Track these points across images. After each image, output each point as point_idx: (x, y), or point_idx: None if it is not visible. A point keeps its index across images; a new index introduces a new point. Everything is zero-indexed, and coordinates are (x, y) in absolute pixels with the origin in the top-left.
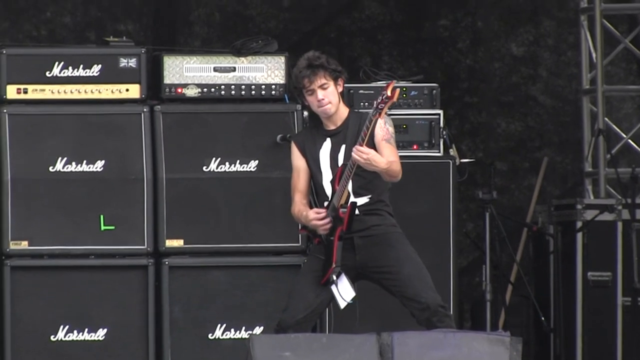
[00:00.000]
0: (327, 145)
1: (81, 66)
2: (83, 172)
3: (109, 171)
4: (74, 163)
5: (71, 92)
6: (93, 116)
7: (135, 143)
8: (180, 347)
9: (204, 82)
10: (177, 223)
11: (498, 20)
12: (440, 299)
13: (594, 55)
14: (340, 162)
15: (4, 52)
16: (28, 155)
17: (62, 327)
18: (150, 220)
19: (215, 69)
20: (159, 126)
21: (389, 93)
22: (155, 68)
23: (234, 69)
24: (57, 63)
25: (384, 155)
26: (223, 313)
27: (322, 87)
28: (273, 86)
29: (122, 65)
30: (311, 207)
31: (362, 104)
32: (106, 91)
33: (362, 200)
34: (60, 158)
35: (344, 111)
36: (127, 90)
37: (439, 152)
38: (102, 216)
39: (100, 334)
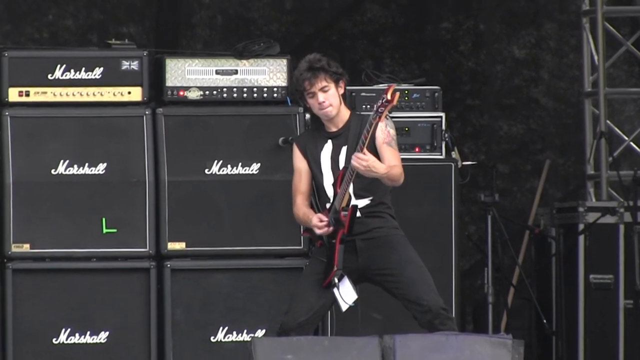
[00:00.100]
0: (328, 147)
1: (83, 69)
2: (85, 174)
3: (111, 174)
4: (76, 166)
5: (73, 94)
6: (95, 119)
7: (137, 146)
8: (182, 350)
9: (206, 84)
10: (179, 226)
11: (500, 23)
12: (443, 302)
13: (595, 57)
14: (342, 164)
15: (6, 54)
16: (30, 158)
17: (64, 330)
18: (152, 223)
19: (217, 72)
20: (161, 129)
21: (388, 96)
22: (158, 71)
23: (236, 72)
24: (59, 66)
25: (385, 158)
26: (225, 316)
27: (323, 89)
28: (275, 89)
29: (124, 67)
30: (312, 209)
31: (364, 106)
32: (108, 94)
33: (363, 202)
34: (62, 161)
35: (345, 113)
36: (129, 93)
37: (441, 154)
38: (104, 219)
39: (102, 336)
